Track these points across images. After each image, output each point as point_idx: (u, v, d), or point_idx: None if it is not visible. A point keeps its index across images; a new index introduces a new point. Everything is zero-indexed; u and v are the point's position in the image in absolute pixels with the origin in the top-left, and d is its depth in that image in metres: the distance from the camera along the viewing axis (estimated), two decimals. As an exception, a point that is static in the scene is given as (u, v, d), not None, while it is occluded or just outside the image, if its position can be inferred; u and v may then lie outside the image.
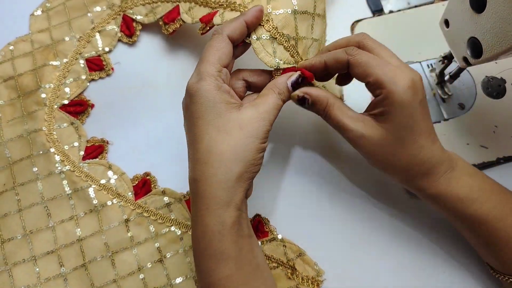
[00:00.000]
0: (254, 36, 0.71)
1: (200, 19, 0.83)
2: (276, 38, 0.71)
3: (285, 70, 0.72)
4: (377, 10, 0.99)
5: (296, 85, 0.70)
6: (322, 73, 0.71)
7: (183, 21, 0.90)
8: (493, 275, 0.74)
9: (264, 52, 0.71)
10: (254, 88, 0.75)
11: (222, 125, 0.63)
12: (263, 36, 0.71)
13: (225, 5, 0.80)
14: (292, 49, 0.72)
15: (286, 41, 0.71)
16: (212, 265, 0.62)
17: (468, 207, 0.69)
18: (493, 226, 0.68)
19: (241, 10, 0.76)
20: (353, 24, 0.98)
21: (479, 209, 0.68)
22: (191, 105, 0.65)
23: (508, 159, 0.86)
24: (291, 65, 0.72)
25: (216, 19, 0.78)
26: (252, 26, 0.70)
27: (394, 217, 0.84)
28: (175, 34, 0.94)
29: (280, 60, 0.71)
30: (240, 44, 0.73)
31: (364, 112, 0.70)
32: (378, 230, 0.83)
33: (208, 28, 0.79)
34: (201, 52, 0.71)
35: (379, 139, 0.67)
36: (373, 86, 0.66)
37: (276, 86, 0.69)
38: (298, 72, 0.71)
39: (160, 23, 0.94)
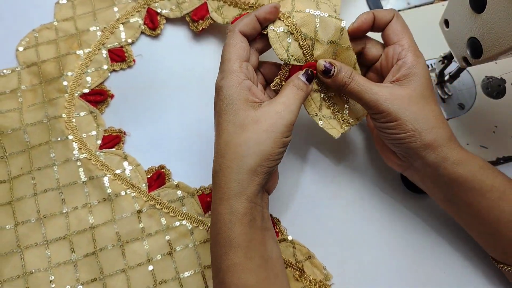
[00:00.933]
0: (271, 27, 0.64)
1: (232, 23, 0.74)
2: (293, 33, 0.63)
3: (293, 67, 0.65)
4: None
5: (309, 79, 0.63)
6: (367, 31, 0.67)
7: (212, 19, 0.83)
8: (498, 267, 0.67)
9: (279, 44, 0.64)
10: (269, 81, 0.69)
11: (239, 121, 0.58)
12: (280, 29, 0.64)
13: (254, 7, 0.75)
14: (306, 48, 0.64)
15: (302, 39, 0.63)
16: (222, 252, 0.57)
17: (487, 177, 0.61)
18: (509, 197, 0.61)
19: None
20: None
21: (495, 178, 0.62)
22: (217, 102, 0.61)
23: (508, 159, 0.77)
24: (300, 64, 0.65)
25: None
26: (264, 22, 0.63)
27: (398, 218, 0.76)
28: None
29: (292, 56, 0.64)
30: (258, 37, 0.66)
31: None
32: (381, 231, 0.75)
33: None
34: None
35: (406, 96, 0.61)
36: (397, 51, 0.64)
37: (292, 80, 0.63)
38: (305, 69, 0.64)
39: (188, 19, 0.84)
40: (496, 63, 0.82)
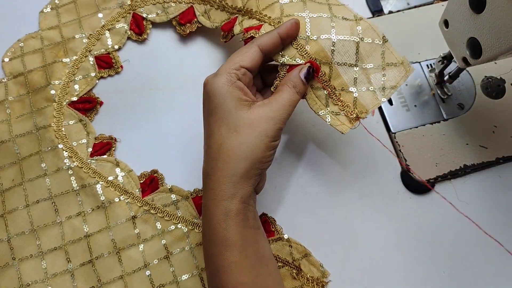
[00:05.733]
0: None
1: (222, 28, 0.82)
2: None
3: (290, 68, 0.69)
4: (376, 11, 0.96)
5: (308, 77, 0.68)
6: None
7: (200, 23, 0.88)
8: None
9: None
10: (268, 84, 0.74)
11: (232, 123, 0.62)
12: None
13: (243, 12, 0.78)
14: (300, 48, 0.69)
15: (294, 40, 0.69)
16: (218, 251, 0.61)
17: None
18: None
19: (257, 17, 0.74)
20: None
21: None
22: (205, 101, 0.65)
23: (508, 159, 0.83)
24: (297, 63, 0.69)
25: (236, 28, 0.77)
26: (287, 38, 0.68)
27: (397, 218, 0.81)
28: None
29: (287, 57, 0.69)
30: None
31: None
32: (380, 231, 0.80)
33: (231, 36, 0.79)
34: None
35: None
36: None
37: (290, 79, 0.67)
38: (308, 64, 0.68)
39: (174, 23, 0.91)
40: (495, 63, 0.88)
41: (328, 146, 0.85)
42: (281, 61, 0.69)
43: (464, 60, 0.70)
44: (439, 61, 0.83)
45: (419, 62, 0.90)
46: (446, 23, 0.72)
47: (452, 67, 0.82)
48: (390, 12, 0.95)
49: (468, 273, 0.77)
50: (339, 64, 0.69)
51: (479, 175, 0.83)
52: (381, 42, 0.70)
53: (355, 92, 0.69)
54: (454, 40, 0.71)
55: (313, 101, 0.70)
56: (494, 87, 0.87)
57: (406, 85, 0.87)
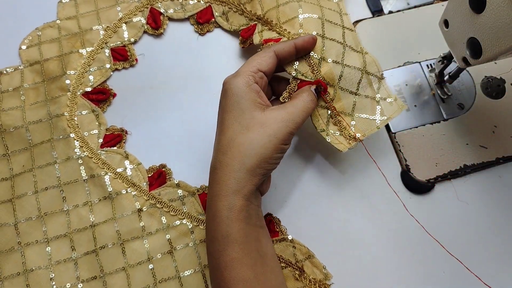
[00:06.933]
0: None
1: (241, 34, 0.78)
2: None
3: (301, 82, 0.66)
4: (376, 11, 0.86)
5: (316, 93, 0.65)
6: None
7: (218, 24, 0.83)
8: None
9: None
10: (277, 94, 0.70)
11: (245, 121, 0.58)
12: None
13: (262, 21, 0.74)
14: (314, 65, 0.66)
15: (308, 57, 0.66)
16: (221, 248, 0.56)
17: None
18: None
19: (277, 30, 0.72)
20: (352, 24, 0.84)
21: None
22: (222, 98, 0.61)
23: (508, 159, 0.75)
24: (308, 79, 0.66)
25: (256, 38, 0.74)
26: (302, 50, 0.65)
27: (398, 218, 0.74)
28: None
29: (299, 72, 0.66)
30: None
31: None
32: (380, 231, 0.74)
33: (249, 43, 0.75)
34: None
35: None
36: None
37: (305, 91, 0.64)
38: (316, 85, 0.65)
39: (192, 21, 0.84)
40: (495, 63, 0.80)
41: (327, 147, 0.76)
42: (294, 74, 0.66)
43: (464, 60, 0.63)
44: (439, 61, 0.75)
45: (419, 62, 0.82)
46: (446, 23, 0.65)
47: (452, 67, 0.74)
48: (390, 12, 0.86)
49: (468, 273, 0.70)
50: (342, 89, 0.67)
51: (479, 175, 0.76)
52: (379, 78, 0.69)
53: (353, 116, 0.68)
54: (454, 40, 0.64)
55: (316, 118, 0.67)
56: (494, 87, 0.79)
57: (406, 85, 0.80)
